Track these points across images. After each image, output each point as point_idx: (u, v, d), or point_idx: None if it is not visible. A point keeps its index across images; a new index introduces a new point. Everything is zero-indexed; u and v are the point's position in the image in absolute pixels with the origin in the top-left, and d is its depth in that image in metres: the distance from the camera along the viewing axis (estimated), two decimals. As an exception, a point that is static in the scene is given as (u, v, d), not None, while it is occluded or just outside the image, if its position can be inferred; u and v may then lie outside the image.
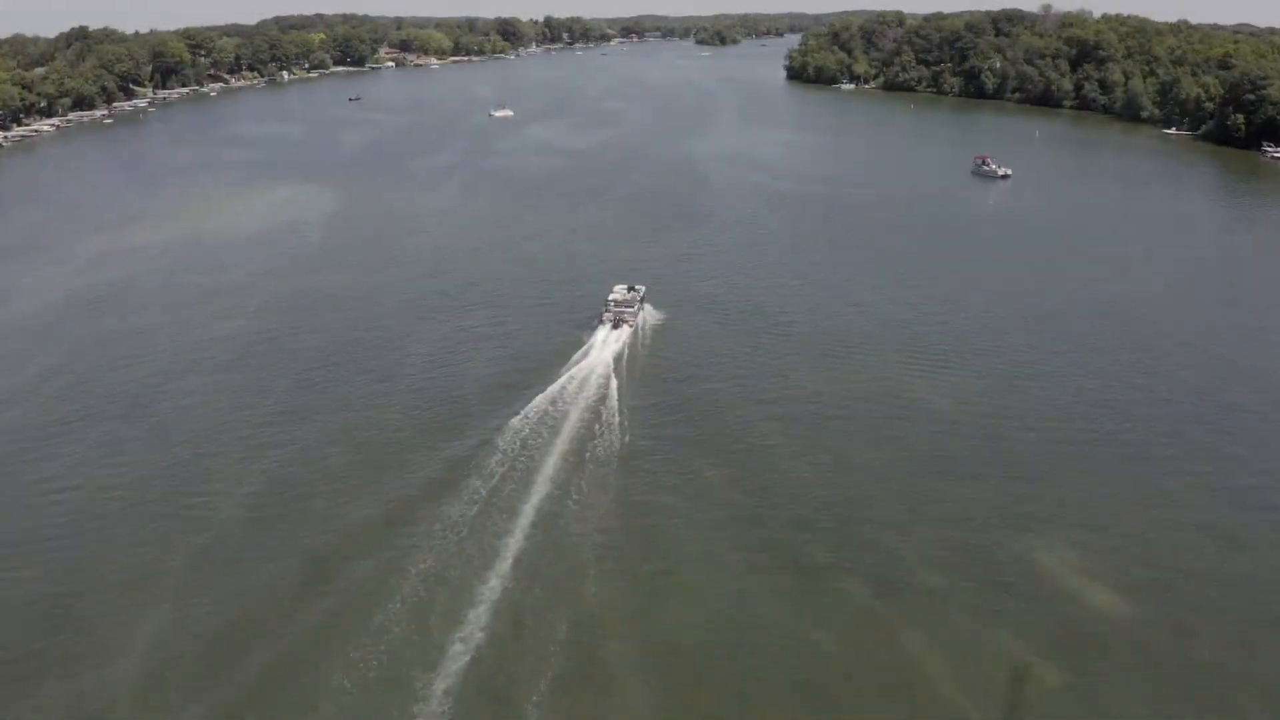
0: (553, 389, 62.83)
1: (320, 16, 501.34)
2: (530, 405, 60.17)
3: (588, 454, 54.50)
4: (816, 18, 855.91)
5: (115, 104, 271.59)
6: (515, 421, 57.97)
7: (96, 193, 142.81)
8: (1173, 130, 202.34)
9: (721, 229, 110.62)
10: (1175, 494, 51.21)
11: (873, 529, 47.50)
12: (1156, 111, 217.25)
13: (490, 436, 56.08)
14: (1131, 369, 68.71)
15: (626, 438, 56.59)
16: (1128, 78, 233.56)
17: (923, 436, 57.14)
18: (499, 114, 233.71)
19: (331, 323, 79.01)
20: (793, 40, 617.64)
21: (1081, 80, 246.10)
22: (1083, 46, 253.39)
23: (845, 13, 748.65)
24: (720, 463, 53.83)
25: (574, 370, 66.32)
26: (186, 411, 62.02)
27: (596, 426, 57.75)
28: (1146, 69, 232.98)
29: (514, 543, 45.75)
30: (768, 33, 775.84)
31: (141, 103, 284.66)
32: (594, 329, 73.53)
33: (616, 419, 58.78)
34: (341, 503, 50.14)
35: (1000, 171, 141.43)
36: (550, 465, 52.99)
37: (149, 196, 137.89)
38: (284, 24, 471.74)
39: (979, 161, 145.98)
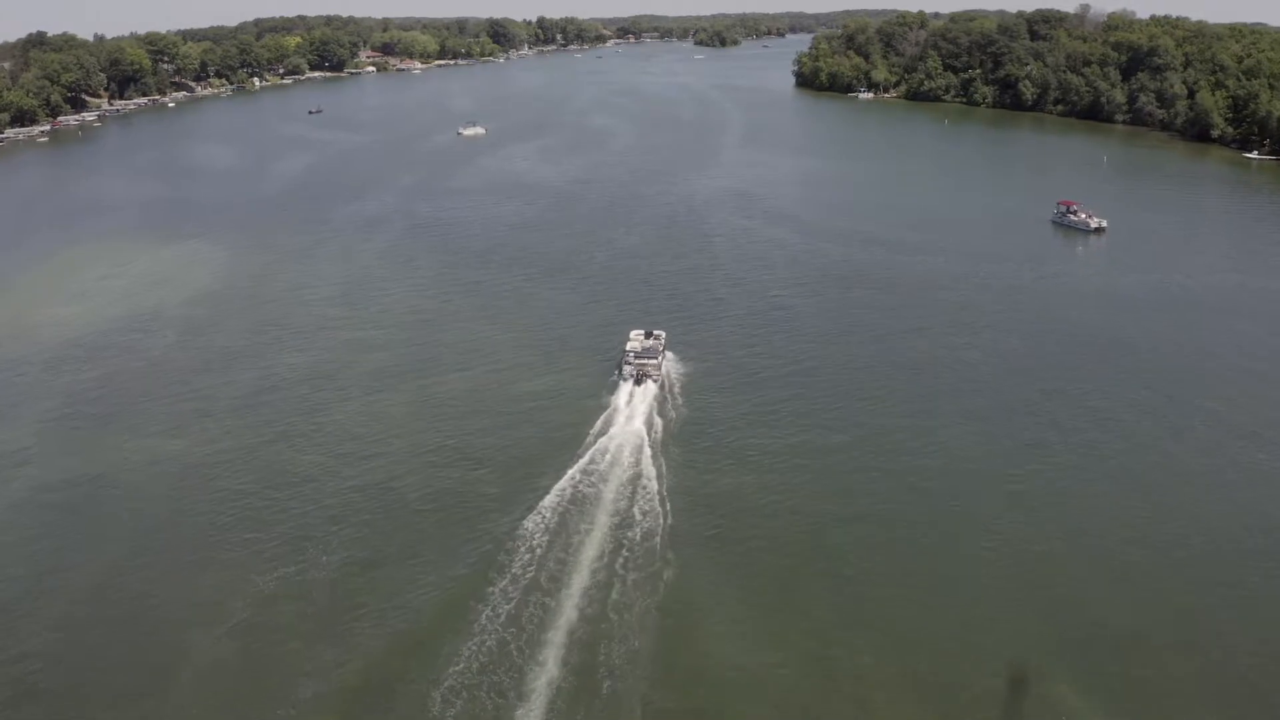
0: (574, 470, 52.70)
1: (302, 18, 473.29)
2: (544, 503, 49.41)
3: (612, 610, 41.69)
4: (817, 17, 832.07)
5: (61, 118, 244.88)
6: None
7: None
8: (1254, 154, 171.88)
9: (733, 336, 76.60)
10: None
11: None
12: (1229, 130, 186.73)
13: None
14: None
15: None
16: (1191, 90, 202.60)
17: None
18: (468, 132, 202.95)
19: (107, 544, 48.81)
20: (795, 40, 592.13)
21: (1135, 91, 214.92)
22: (1134, 52, 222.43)
23: (847, 12, 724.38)
24: None
25: (601, 442, 56.34)
26: None
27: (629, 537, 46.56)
28: (1213, 80, 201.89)
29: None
30: (768, 33, 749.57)
31: (90, 116, 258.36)
32: (614, 388, 64.21)
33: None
34: None
35: (1093, 224, 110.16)
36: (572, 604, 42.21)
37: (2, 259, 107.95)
38: (264, 26, 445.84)
39: (1063, 209, 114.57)
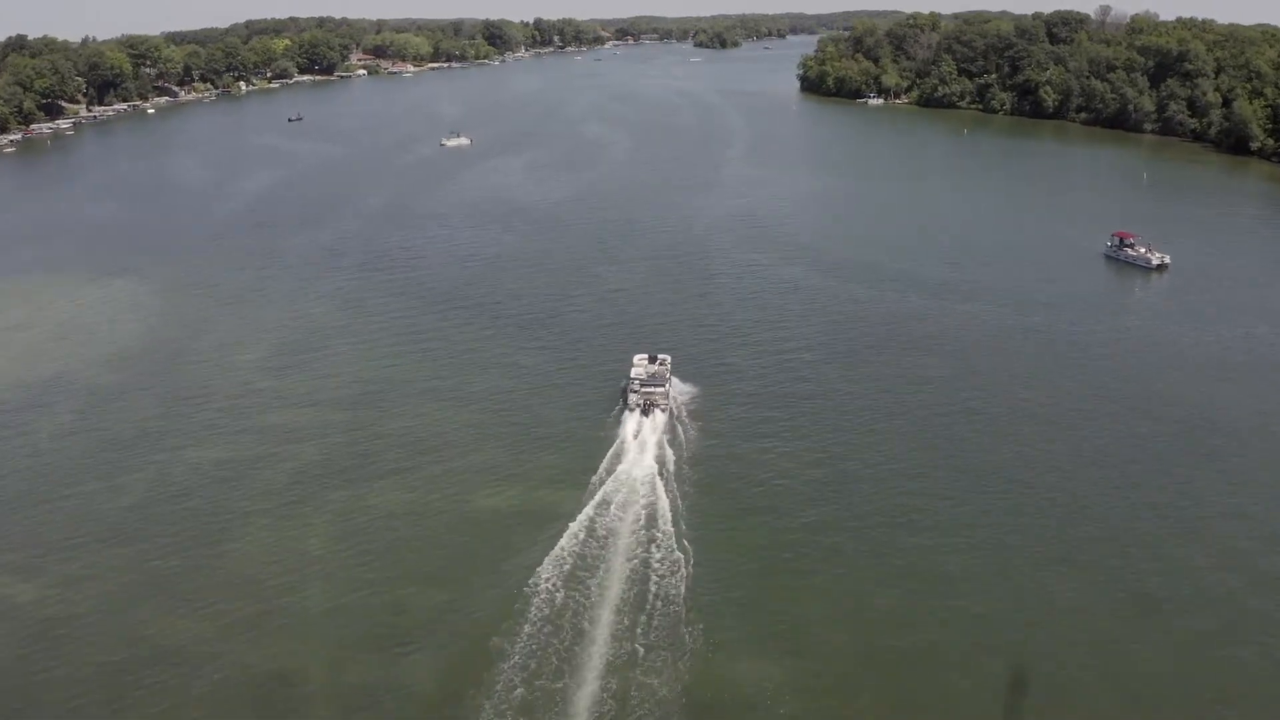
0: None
1: (293, 20, 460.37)
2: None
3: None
4: (818, 18, 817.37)
5: (34, 126, 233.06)
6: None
7: None
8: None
9: (747, 410, 63.44)
10: None
11: None
12: (1269, 141, 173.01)
13: None
14: None
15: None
16: (1226, 98, 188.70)
17: None
18: (452, 143, 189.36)
19: None
20: (797, 42, 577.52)
21: (1165, 99, 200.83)
22: (1162, 57, 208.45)
23: (848, 13, 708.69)
24: None
25: (607, 488, 51.84)
26: None
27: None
28: (1249, 87, 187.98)
29: None
30: (770, 34, 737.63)
31: (65, 124, 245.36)
32: (620, 418, 60.69)
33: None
34: None
35: (1154, 259, 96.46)
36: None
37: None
38: (255, 28, 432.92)
39: (1118, 241, 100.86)
